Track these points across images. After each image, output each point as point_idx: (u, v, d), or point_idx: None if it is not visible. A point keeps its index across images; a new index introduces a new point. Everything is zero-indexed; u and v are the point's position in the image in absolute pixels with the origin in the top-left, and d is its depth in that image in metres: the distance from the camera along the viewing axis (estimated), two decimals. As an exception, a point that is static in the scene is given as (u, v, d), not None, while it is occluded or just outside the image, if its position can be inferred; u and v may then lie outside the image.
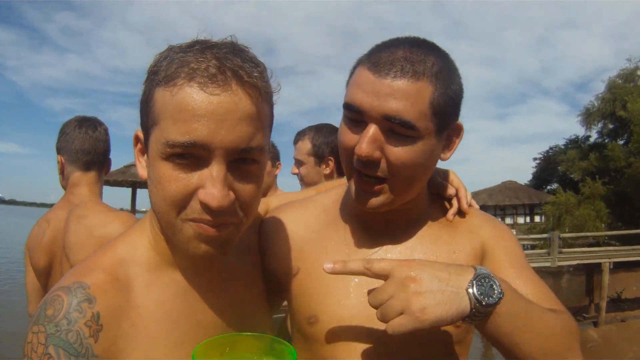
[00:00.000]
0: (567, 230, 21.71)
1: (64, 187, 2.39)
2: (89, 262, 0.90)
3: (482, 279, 0.85)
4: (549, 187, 39.15)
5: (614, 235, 20.87)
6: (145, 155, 0.89)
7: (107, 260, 0.89)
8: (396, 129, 0.95)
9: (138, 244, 0.94)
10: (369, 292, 0.91)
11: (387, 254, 1.10)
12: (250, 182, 0.85)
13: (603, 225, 23.52)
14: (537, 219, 34.23)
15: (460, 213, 1.17)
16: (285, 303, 1.23)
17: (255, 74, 0.82)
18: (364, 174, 1.00)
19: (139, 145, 0.92)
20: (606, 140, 29.30)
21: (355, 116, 0.99)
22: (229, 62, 0.80)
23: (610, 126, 29.61)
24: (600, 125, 30.23)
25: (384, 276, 0.88)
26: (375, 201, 1.03)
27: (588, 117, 29.90)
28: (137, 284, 0.89)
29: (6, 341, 8.63)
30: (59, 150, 2.33)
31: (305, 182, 2.68)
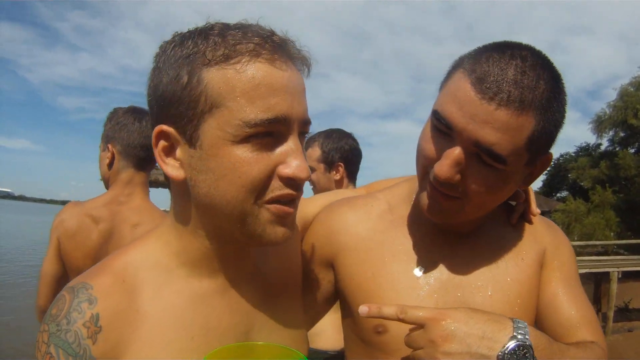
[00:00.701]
0: (576, 239, 21.50)
1: (107, 181, 2.20)
2: (100, 264, 0.87)
3: (517, 349, 0.79)
4: (558, 195, 38.81)
5: (623, 245, 20.67)
6: (180, 151, 0.81)
7: (118, 263, 0.86)
8: (484, 157, 0.88)
9: (153, 248, 0.89)
10: (407, 335, 0.88)
11: (457, 259, 1.05)
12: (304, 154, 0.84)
13: (612, 234, 23.27)
14: (545, 226, 33.92)
15: (526, 217, 1.12)
16: None
17: (302, 53, 0.84)
18: (435, 187, 0.95)
19: (162, 143, 0.81)
20: (617, 149, 29.00)
21: (443, 128, 0.91)
22: (281, 40, 0.81)
23: (622, 134, 29.29)
24: (611, 133, 29.89)
25: (419, 326, 0.85)
26: (446, 216, 0.99)
27: (599, 124, 29.58)
28: (145, 288, 0.84)
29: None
30: (110, 139, 2.14)
31: (317, 189, 2.68)
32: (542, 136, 0.89)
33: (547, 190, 40.30)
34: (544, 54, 0.91)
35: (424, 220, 1.07)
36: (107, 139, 2.16)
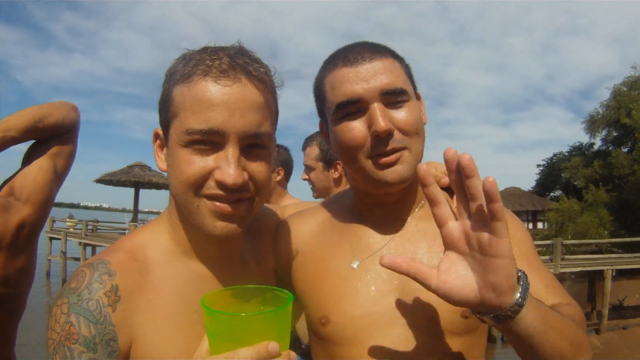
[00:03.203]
0: (570, 237, 21.64)
1: None
2: (112, 246, 1.03)
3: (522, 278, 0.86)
4: (552, 194, 39.05)
5: (617, 243, 20.76)
6: (165, 149, 1.01)
7: (128, 244, 1.01)
8: (393, 99, 1.07)
9: (156, 233, 1.05)
10: None
11: (392, 251, 1.13)
12: (260, 163, 0.96)
13: (606, 232, 23.41)
14: (540, 225, 34.21)
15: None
16: None
17: (261, 70, 0.96)
18: (381, 154, 1.06)
19: (158, 142, 1.04)
20: (610, 148, 29.27)
21: (353, 108, 1.08)
22: (239, 59, 0.94)
23: (615, 133, 29.55)
24: (604, 132, 30.19)
25: None
26: (399, 170, 1.07)
27: (592, 124, 29.85)
28: (154, 266, 0.98)
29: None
30: None
31: (316, 187, 2.72)
32: (408, 72, 1.14)
33: (541, 190, 40.52)
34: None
35: (357, 219, 1.21)
36: None
